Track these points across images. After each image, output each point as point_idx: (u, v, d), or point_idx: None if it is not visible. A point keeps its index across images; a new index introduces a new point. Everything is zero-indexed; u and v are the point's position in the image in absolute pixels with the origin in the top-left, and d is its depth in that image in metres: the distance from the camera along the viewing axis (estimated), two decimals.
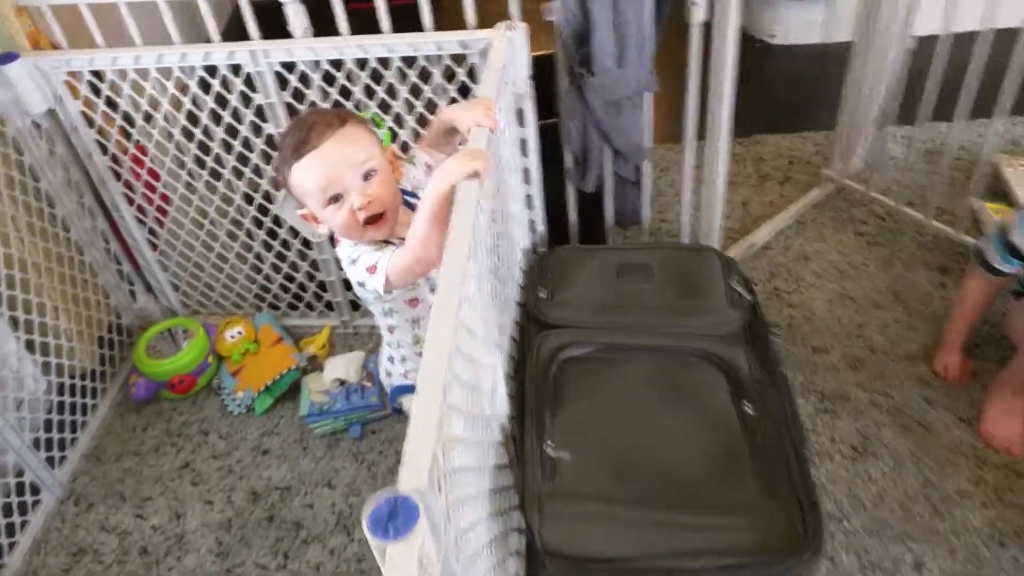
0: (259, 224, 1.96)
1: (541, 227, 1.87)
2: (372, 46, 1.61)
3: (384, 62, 1.65)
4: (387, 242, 1.29)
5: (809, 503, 1.30)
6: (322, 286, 2.08)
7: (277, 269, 2.06)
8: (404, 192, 1.35)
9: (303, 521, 1.78)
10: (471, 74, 1.65)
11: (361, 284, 1.28)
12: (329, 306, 2.14)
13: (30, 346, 1.81)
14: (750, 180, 2.56)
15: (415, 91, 1.70)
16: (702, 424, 1.52)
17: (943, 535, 1.60)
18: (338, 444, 1.91)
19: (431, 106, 1.72)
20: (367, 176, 1.23)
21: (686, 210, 1.99)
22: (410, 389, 1.56)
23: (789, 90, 3.04)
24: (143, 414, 2.04)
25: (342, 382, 1.96)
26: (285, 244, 1.99)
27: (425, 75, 1.67)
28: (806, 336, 2.02)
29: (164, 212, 1.95)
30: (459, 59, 1.63)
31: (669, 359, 1.64)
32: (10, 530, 1.74)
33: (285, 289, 2.11)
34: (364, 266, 1.25)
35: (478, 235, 1.07)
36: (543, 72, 1.65)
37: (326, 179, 1.20)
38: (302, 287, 2.10)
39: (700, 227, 2.02)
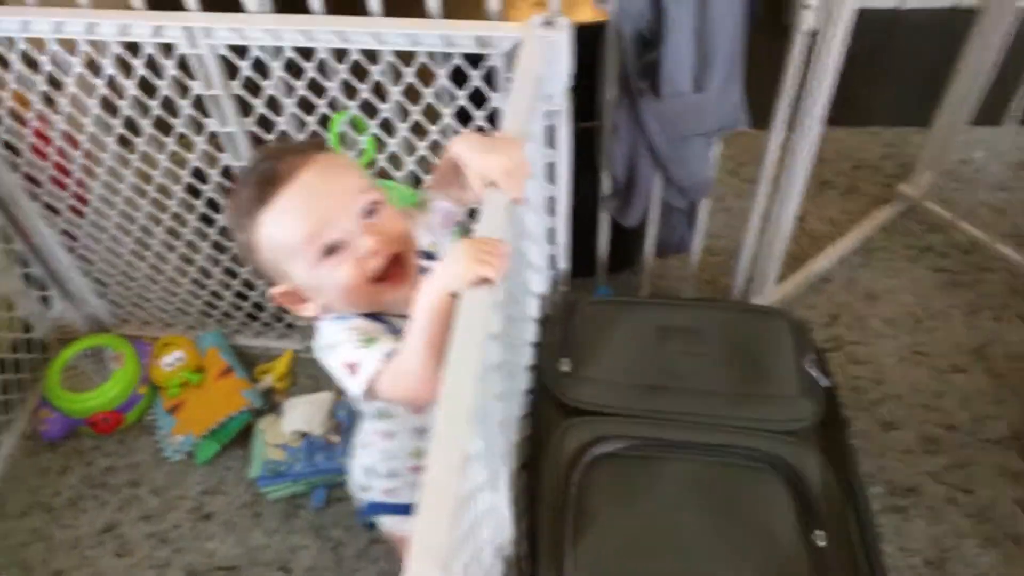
0: (203, 236, 1.54)
1: (563, 263, 1.47)
2: (355, 34, 1.16)
3: (371, 55, 1.20)
4: (380, 318, 0.93)
5: None
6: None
7: (226, 285, 1.64)
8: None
9: None
10: (489, 78, 1.21)
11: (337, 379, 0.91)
12: (291, 326, 1.74)
13: None
14: (807, 187, 2.14)
15: (411, 93, 1.26)
16: (760, 559, 1.19)
17: None
18: (297, 513, 1.55)
19: (431, 114, 1.28)
20: (369, 212, 0.89)
21: (749, 248, 1.59)
22: (394, 509, 1.19)
23: (867, 69, 2.39)
24: (59, 452, 1.65)
25: (304, 434, 1.59)
26: (236, 259, 1.57)
27: (426, 75, 1.23)
28: (874, 404, 1.66)
29: (83, 201, 1.51)
30: (474, 59, 1.19)
31: (722, 462, 1.29)
32: None
33: (237, 307, 1.70)
34: (341, 360, 0.88)
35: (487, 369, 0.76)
36: (584, 50, 1.18)
37: (317, 221, 0.86)
38: (258, 306, 1.69)
39: (757, 264, 1.63)
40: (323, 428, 1.59)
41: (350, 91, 1.26)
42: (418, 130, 1.30)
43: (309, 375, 1.74)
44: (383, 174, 1.38)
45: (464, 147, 0.90)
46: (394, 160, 1.37)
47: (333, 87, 1.25)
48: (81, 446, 1.67)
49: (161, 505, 1.58)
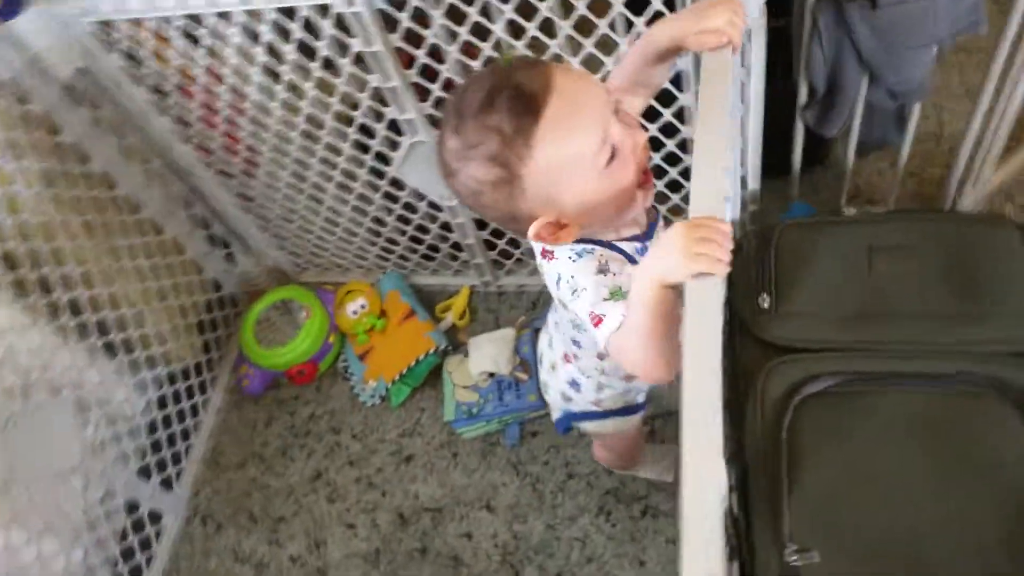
0: (374, 188, 1.51)
1: (754, 184, 1.35)
2: None
3: None
4: (614, 247, 0.89)
5: None
6: (456, 246, 1.64)
7: (402, 232, 1.62)
8: None
9: (461, 555, 1.48)
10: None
11: (575, 324, 0.92)
12: (467, 262, 1.71)
13: (119, 361, 1.49)
14: None
15: (583, 27, 1.14)
16: (995, 499, 1.09)
17: None
18: (493, 451, 1.57)
19: (605, 45, 1.16)
20: (616, 111, 0.83)
21: (974, 131, 1.38)
22: (597, 416, 1.17)
23: None
24: (262, 405, 1.74)
25: (491, 374, 1.58)
26: (409, 207, 1.53)
27: (598, 7, 1.10)
28: None
29: (254, 165, 1.51)
30: None
31: (944, 392, 1.18)
32: (135, 573, 1.52)
33: (413, 249, 1.68)
34: (589, 307, 0.84)
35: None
36: None
37: (603, 123, 0.80)
38: (432, 248, 1.67)
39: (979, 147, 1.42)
40: (509, 367, 1.57)
41: (515, 31, 1.16)
42: (591, 65, 1.19)
43: (488, 309, 1.73)
44: None
45: (669, 24, 0.87)
46: None
47: (498, 29, 1.15)
48: (282, 396, 1.74)
49: (364, 450, 1.63)
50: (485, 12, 1.13)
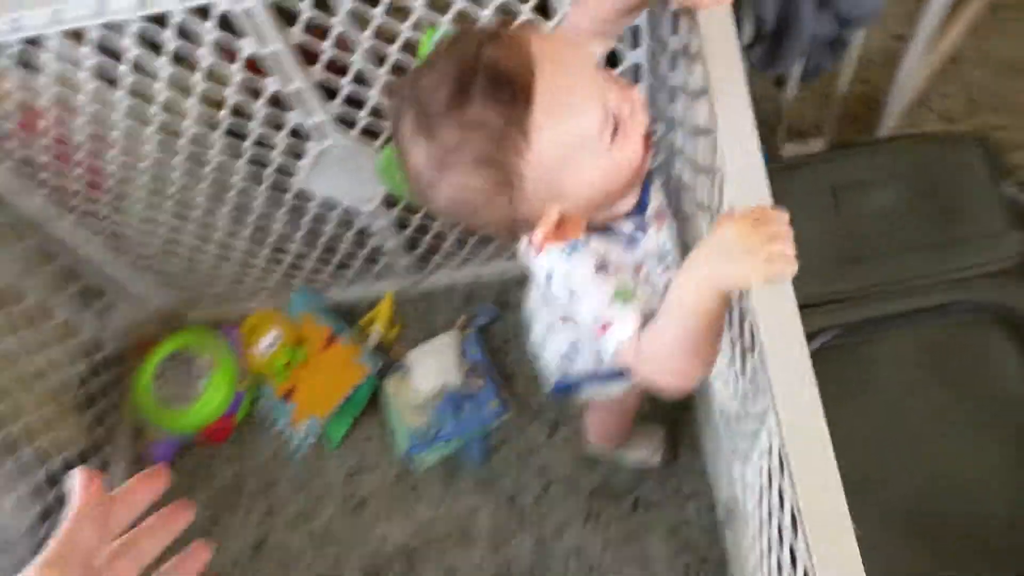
0: (277, 204, 1.29)
1: None
2: None
3: None
4: (610, 229, 0.78)
5: None
6: (375, 251, 1.45)
7: (310, 247, 1.41)
8: None
9: None
10: None
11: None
12: (389, 265, 1.52)
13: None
14: None
15: None
16: (1003, 426, 1.09)
17: None
18: (456, 474, 1.42)
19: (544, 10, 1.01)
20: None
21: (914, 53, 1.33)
22: (599, 379, 1.04)
23: None
24: (177, 472, 1.49)
25: (441, 388, 1.42)
26: (319, 218, 1.33)
27: None
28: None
29: (124, 199, 1.26)
30: None
31: (937, 325, 1.16)
32: None
33: (324, 263, 1.47)
34: (593, 312, 0.74)
35: None
36: None
37: (600, 94, 0.67)
38: (348, 257, 1.46)
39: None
40: (460, 375, 1.42)
41: (441, 5, 0.98)
42: None
43: (418, 313, 1.55)
44: None
45: None
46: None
47: (419, 5, 0.97)
48: (198, 459, 1.50)
49: (309, 501, 1.44)
50: None
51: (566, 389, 1.10)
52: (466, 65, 0.62)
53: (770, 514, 0.74)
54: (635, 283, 0.73)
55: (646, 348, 0.70)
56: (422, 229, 1.39)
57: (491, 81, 0.62)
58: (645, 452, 1.36)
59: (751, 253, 0.60)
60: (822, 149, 1.47)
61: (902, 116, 1.49)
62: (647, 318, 0.71)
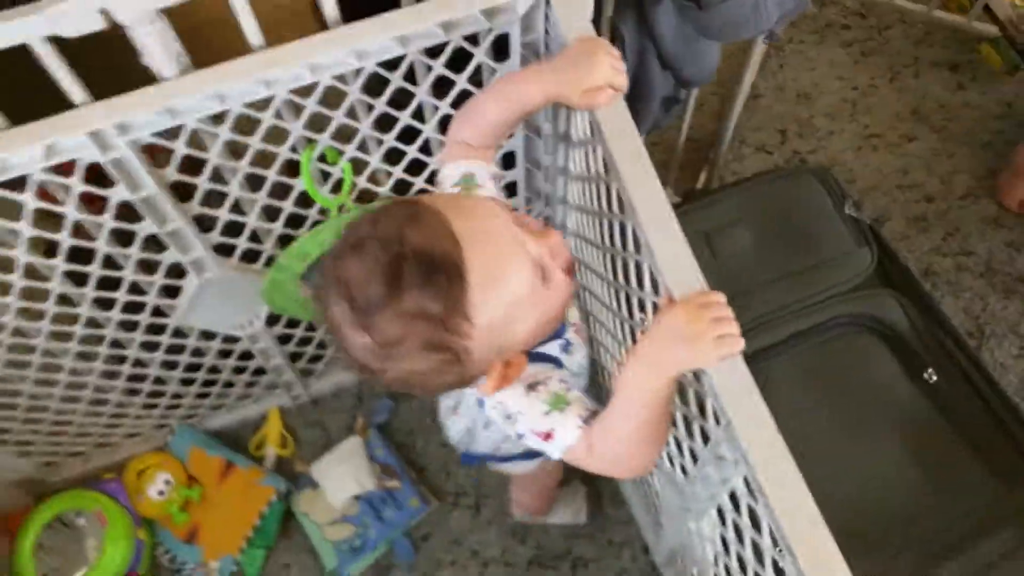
0: (152, 347, 1.20)
1: None
2: (327, 59, 0.86)
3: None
4: (540, 356, 0.80)
5: None
6: (258, 371, 1.39)
7: (188, 382, 1.32)
8: None
9: None
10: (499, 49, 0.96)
11: (519, 436, 0.78)
12: (270, 384, 1.45)
13: None
14: None
15: (398, 99, 0.98)
16: (888, 424, 1.21)
17: None
18: (390, 573, 1.38)
19: (421, 114, 1.02)
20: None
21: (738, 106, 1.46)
22: (508, 458, 1.06)
23: None
24: None
25: (357, 496, 1.37)
26: (198, 352, 1.25)
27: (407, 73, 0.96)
28: (860, 203, 1.67)
29: None
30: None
31: (817, 346, 1.28)
32: None
33: (204, 395, 1.39)
34: (531, 428, 0.76)
35: None
36: None
37: (523, 251, 0.70)
38: (229, 384, 1.39)
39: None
40: (373, 479, 1.38)
41: (315, 124, 0.97)
42: (407, 136, 1.04)
43: (308, 424, 1.50)
44: (365, 196, 1.11)
45: (541, 78, 0.79)
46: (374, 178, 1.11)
47: (296, 128, 0.95)
48: None
49: None
50: (279, 114, 0.93)
51: (475, 459, 1.11)
52: (393, 253, 0.63)
53: (743, 565, 0.79)
54: (565, 390, 0.76)
55: (600, 446, 0.73)
56: (305, 341, 1.35)
57: (423, 269, 0.63)
58: (571, 512, 1.38)
59: (701, 337, 0.65)
60: (673, 199, 1.57)
61: (724, 154, 1.63)
62: (588, 416, 0.74)
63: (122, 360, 1.20)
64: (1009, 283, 1.59)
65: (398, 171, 1.09)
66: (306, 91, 0.91)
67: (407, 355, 0.65)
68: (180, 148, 0.90)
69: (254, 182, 1.02)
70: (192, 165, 0.94)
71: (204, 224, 1.03)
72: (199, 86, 0.83)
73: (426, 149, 1.08)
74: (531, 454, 1.08)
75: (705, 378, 0.68)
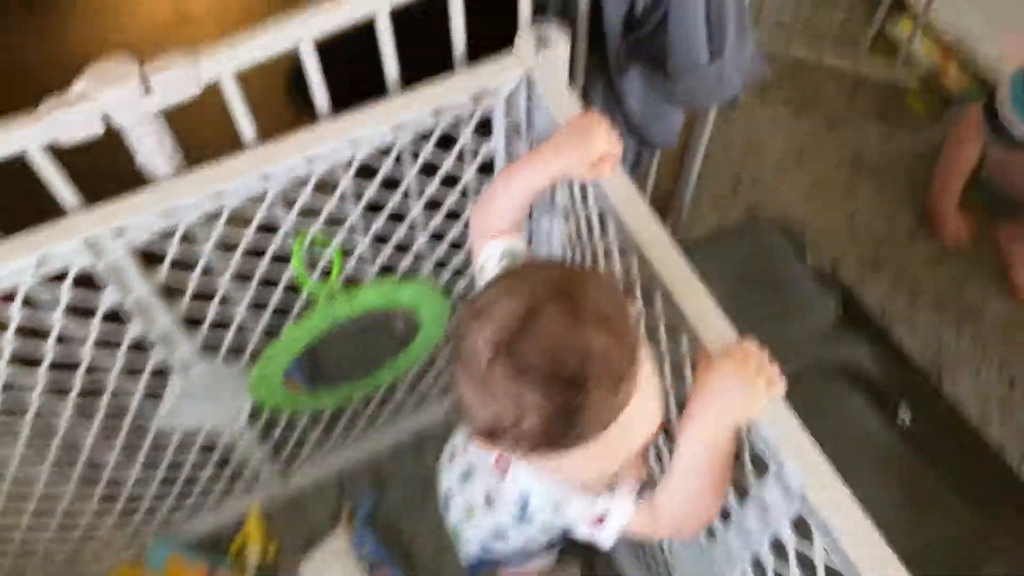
0: (132, 455, 1.14)
1: None
2: (321, 151, 0.85)
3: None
4: None
5: None
6: (239, 468, 1.33)
7: (167, 487, 1.26)
8: None
9: None
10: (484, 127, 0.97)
11: (564, 526, 0.84)
12: (250, 482, 1.39)
13: None
14: None
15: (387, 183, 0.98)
16: (870, 467, 1.24)
17: None
18: None
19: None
20: None
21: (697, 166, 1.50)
22: (521, 560, 1.07)
23: None
24: None
25: None
26: (180, 451, 1.20)
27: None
28: (815, 250, 1.72)
29: None
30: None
31: (797, 395, 1.28)
32: None
33: (184, 498, 1.32)
34: (581, 515, 0.79)
35: None
36: None
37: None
38: (210, 484, 1.32)
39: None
40: (364, 574, 1.33)
41: (305, 212, 0.95)
42: (394, 219, 1.03)
43: (290, 520, 1.43)
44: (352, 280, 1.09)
45: (553, 159, 0.80)
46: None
47: (289, 219, 0.94)
48: None
49: None
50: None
51: (487, 565, 1.09)
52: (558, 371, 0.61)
53: None
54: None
55: (667, 512, 0.76)
56: (287, 433, 1.31)
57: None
58: (562, 566, 1.35)
59: (752, 384, 0.68)
60: None
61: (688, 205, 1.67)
62: (639, 490, 0.76)
63: (99, 468, 1.13)
64: (962, 314, 1.65)
65: (385, 254, 1.08)
66: (299, 182, 0.90)
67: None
68: (174, 248, 0.87)
69: (241, 275, 1.00)
70: (181, 263, 0.92)
71: (190, 321, 1.00)
72: (198, 186, 0.81)
73: (411, 231, 1.08)
74: (551, 543, 1.07)
75: (752, 426, 0.70)
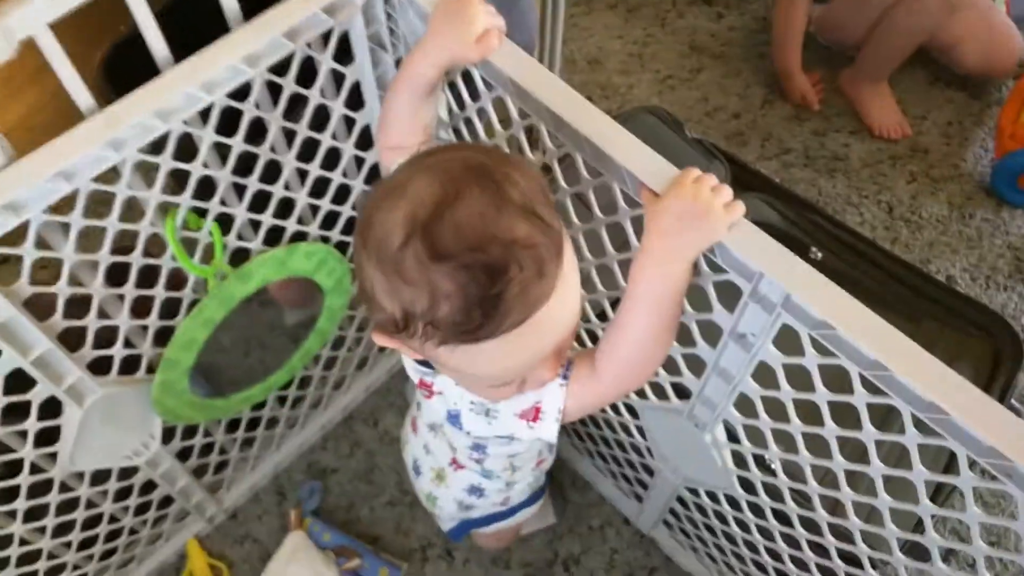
0: (37, 518, 1.00)
1: None
2: (172, 100, 0.76)
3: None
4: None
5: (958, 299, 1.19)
6: (165, 501, 1.21)
7: (87, 543, 1.12)
8: None
9: None
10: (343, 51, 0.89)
11: (508, 437, 0.78)
12: (179, 513, 1.27)
13: None
14: None
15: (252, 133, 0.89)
16: None
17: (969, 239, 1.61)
18: None
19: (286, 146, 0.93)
20: None
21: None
22: (503, 516, 1.04)
23: None
24: None
25: None
26: (92, 504, 1.06)
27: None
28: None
29: None
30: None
31: None
32: None
33: (110, 553, 1.18)
34: (514, 412, 0.74)
35: None
36: None
37: None
38: (134, 530, 1.19)
39: None
40: (332, 567, 1.24)
41: (170, 187, 0.85)
42: (269, 177, 0.94)
43: (235, 541, 1.32)
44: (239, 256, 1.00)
45: (433, 48, 0.74)
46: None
47: (153, 194, 0.83)
48: None
49: None
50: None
51: (467, 527, 1.05)
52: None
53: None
54: None
55: (609, 369, 0.70)
56: (207, 449, 1.20)
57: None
58: (538, 516, 1.31)
59: (710, 209, 0.64)
60: None
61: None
62: (563, 370, 0.72)
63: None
64: (829, 164, 1.71)
65: (267, 218, 0.98)
66: (156, 148, 0.80)
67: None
68: (29, 252, 0.76)
69: (114, 275, 0.89)
70: (41, 271, 0.80)
71: (69, 342, 0.88)
72: (39, 168, 0.70)
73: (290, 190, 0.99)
74: (533, 497, 1.03)
75: (720, 251, 0.67)
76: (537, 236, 0.56)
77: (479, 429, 0.77)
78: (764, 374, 0.77)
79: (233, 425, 1.22)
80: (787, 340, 0.71)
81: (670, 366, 0.88)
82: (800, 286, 0.64)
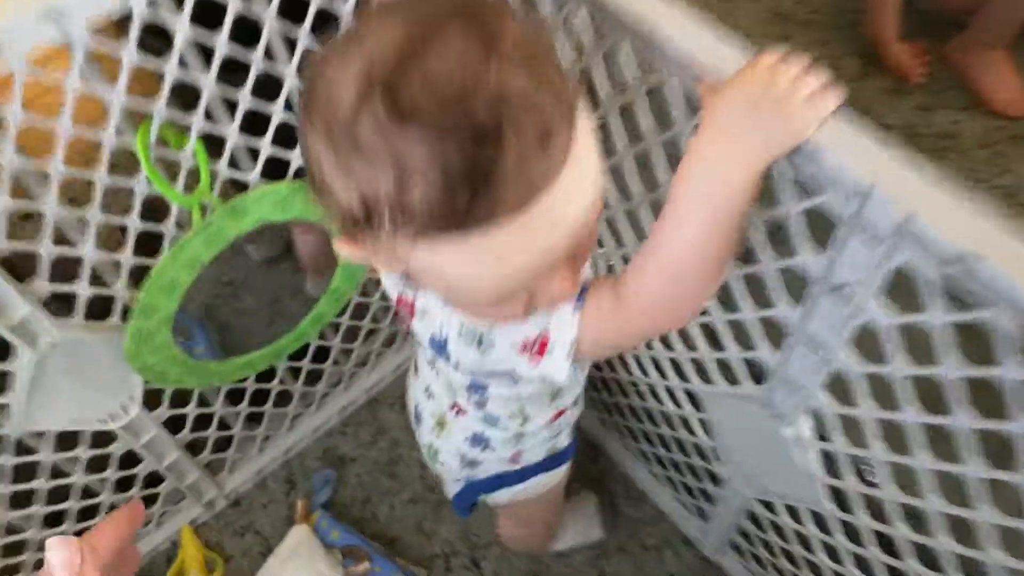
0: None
1: None
2: None
3: None
4: None
5: None
6: (152, 480, 1.06)
7: (55, 520, 0.99)
8: None
9: None
10: None
11: (507, 374, 0.61)
12: (172, 495, 1.13)
13: None
14: None
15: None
16: None
17: None
18: None
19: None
20: None
21: None
22: (516, 478, 0.83)
23: None
24: None
25: None
26: (59, 471, 0.93)
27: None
28: None
29: None
30: None
31: None
32: None
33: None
34: (512, 343, 0.57)
35: None
36: None
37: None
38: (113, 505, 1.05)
39: None
40: (338, 568, 1.08)
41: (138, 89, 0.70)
42: (267, 92, 0.79)
43: (235, 532, 1.17)
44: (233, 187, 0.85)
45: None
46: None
47: (117, 93, 0.69)
48: None
49: None
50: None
51: (475, 500, 0.87)
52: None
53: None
54: None
55: (641, 297, 0.53)
56: (203, 422, 1.05)
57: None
58: (583, 529, 1.12)
59: (788, 100, 0.48)
60: None
61: None
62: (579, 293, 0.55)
63: None
64: (937, 146, 1.49)
65: (266, 144, 0.83)
66: (118, 31, 0.65)
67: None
68: None
69: (72, 193, 0.74)
70: None
71: (18, 270, 0.74)
72: None
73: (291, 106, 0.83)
74: (552, 459, 0.83)
75: (803, 159, 0.49)
76: (539, 93, 0.40)
77: (470, 361, 0.60)
78: (868, 342, 0.57)
79: (235, 396, 1.07)
80: (903, 292, 0.52)
81: (741, 336, 0.69)
82: (928, 205, 0.46)
